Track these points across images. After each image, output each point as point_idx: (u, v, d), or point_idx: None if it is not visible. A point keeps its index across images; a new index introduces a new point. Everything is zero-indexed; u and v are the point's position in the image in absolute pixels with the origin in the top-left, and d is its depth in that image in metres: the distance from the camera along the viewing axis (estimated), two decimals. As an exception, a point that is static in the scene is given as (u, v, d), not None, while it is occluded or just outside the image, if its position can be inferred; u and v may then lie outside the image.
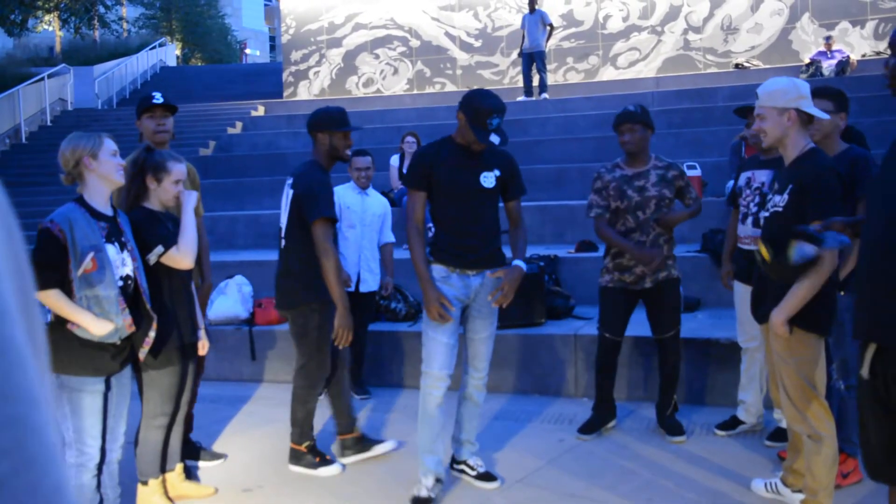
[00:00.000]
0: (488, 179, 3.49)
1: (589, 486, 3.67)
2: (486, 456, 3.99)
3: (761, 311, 3.13)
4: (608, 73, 14.77)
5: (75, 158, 3.00)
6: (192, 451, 4.07)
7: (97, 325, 2.89)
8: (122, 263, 3.01)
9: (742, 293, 4.14)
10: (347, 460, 4.07)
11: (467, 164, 3.48)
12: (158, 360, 3.27)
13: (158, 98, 3.83)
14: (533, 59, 12.72)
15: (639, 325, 4.46)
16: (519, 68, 13.80)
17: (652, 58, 14.57)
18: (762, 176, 3.93)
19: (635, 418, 4.56)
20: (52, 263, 2.86)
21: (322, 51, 16.75)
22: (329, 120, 3.83)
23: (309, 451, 3.96)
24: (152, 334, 3.15)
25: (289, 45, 17.11)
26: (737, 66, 13.81)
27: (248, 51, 53.75)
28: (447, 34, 15.93)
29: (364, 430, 4.26)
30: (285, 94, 17.00)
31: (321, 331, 3.84)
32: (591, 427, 4.29)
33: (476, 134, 3.35)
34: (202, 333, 3.61)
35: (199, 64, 39.85)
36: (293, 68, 16.98)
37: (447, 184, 3.46)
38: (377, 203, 5.32)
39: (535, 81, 12.97)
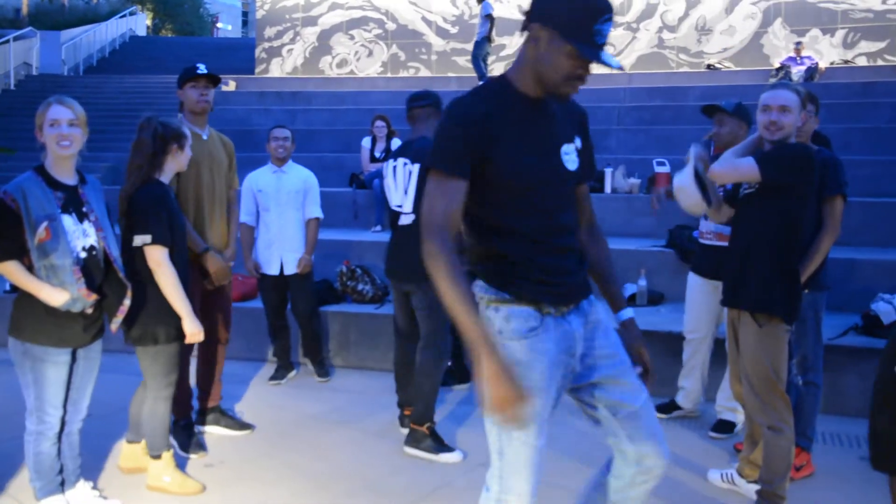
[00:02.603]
0: (571, 157, 2.07)
1: (550, 471, 3.71)
2: (449, 435, 4.04)
3: (741, 297, 3.15)
4: (582, 67, 14.83)
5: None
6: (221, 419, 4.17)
7: (54, 296, 2.84)
8: (84, 234, 2.94)
9: (695, 285, 4.25)
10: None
11: (544, 133, 2.03)
12: (161, 336, 3.23)
13: (203, 69, 3.91)
14: None
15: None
16: (493, 56, 13.83)
17: (626, 54, 14.68)
18: None
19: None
20: (8, 234, 2.81)
21: (297, 28, 16.56)
22: (437, 97, 4.00)
23: (430, 435, 3.90)
24: (127, 302, 3.08)
25: (263, 20, 16.88)
26: (709, 66, 13.98)
27: (219, 25, 52.88)
28: (424, 19, 15.87)
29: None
30: (257, 70, 16.79)
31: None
32: None
33: (580, 49, 1.86)
34: None
35: (170, 35, 39.10)
36: (266, 45, 16.77)
37: (519, 168, 1.98)
38: (295, 179, 5.16)
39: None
